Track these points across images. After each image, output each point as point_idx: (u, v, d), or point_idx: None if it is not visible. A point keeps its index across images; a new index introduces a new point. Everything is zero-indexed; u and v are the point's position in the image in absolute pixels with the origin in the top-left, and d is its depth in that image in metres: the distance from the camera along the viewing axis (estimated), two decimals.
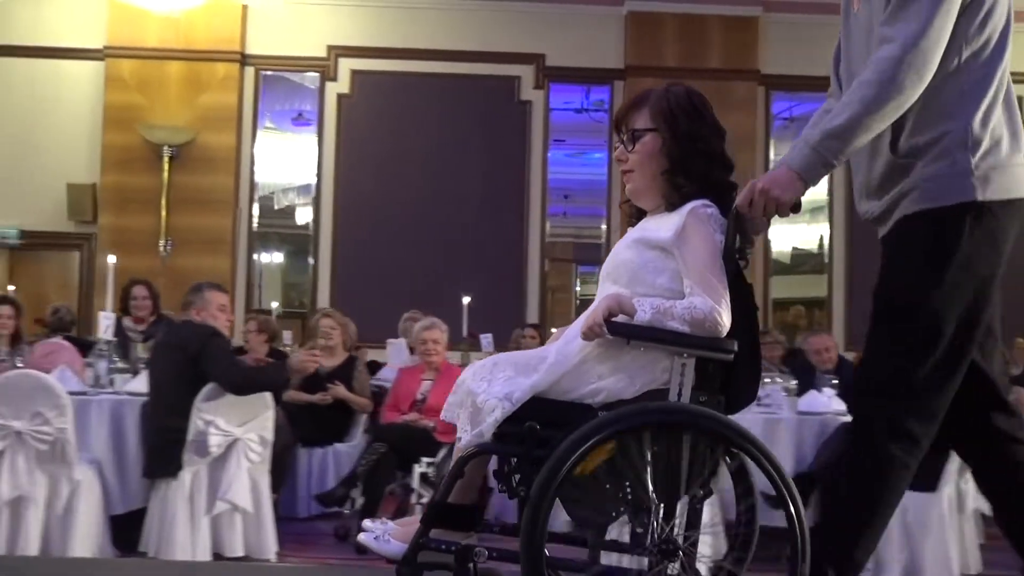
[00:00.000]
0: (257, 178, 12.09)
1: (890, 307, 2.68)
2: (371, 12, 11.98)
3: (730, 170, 2.77)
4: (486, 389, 2.55)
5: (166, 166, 11.62)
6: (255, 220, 12.08)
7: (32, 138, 11.82)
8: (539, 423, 2.49)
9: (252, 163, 12.03)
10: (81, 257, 12.03)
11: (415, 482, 5.58)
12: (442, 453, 5.58)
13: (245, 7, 11.69)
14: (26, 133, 11.81)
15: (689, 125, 2.68)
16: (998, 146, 2.61)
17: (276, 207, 12.29)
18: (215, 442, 4.88)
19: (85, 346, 6.78)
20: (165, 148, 11.58)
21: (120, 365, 5.76)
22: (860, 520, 2.67)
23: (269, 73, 12.09)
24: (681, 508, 2.52)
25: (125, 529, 5.12)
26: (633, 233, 2.75)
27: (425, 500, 5.53)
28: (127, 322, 7.38)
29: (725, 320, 2.50)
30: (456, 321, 8.74)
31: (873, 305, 2.74)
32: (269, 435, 5.09)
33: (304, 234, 12.14)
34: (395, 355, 8.44)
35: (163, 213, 11.59)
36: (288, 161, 12.19)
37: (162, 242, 11.59)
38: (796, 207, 2.64)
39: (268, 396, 5.07)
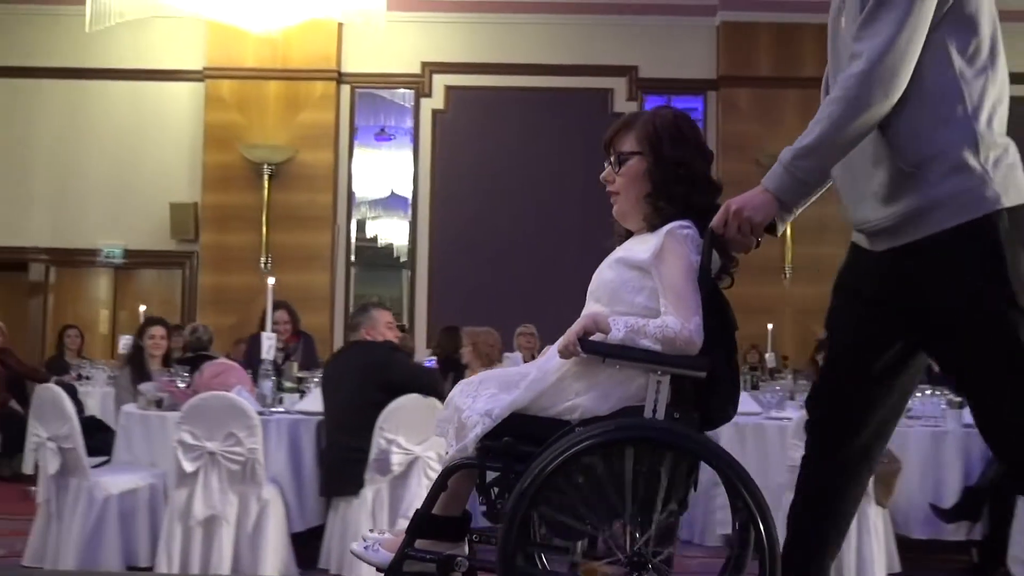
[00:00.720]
0: (354, 194, 12.16)
1: (980, 338, 2.52)
2: (464, 28, 11.93)
3: (716, 192, 2.76)
4: (470, 405, 2.63)
5: (266, 184, 11.73)
6: (353, 236, 12.15)
7: (135, 159, 11.89)
8: (520, 438, 2.55)
9: (349, 179, 12.05)
10: (183, 275, 12.16)
11: None
12: None
13: (341, 25, 11.77)
14: (129, 154, 11.88)
15: (673, 149, 2.70)
16: (1007, 148, 2.54)
17: (372, 222, 12.34)
18: (397, 460, 4.89)
19: None
20: (265, 166, 11.64)
21: (288, 385, 5.78)
22: None
23: (364, 90, 12.16)
24: (655, 522, 2.53)
25: (302, 547, 5.13)
26: (616, 253, 2.77)
27: None
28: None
29: (697, 338, 2.51)
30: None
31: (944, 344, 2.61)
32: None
33: (401, 248, 12.19)
34: None
35: (263, 230, 11.68)
36: (384, 177, 12.24)
37: (263, 259, 11.68)
38: (771, 228, 2.63)
39: None
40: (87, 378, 8.00)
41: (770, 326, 9.60)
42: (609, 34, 11.91)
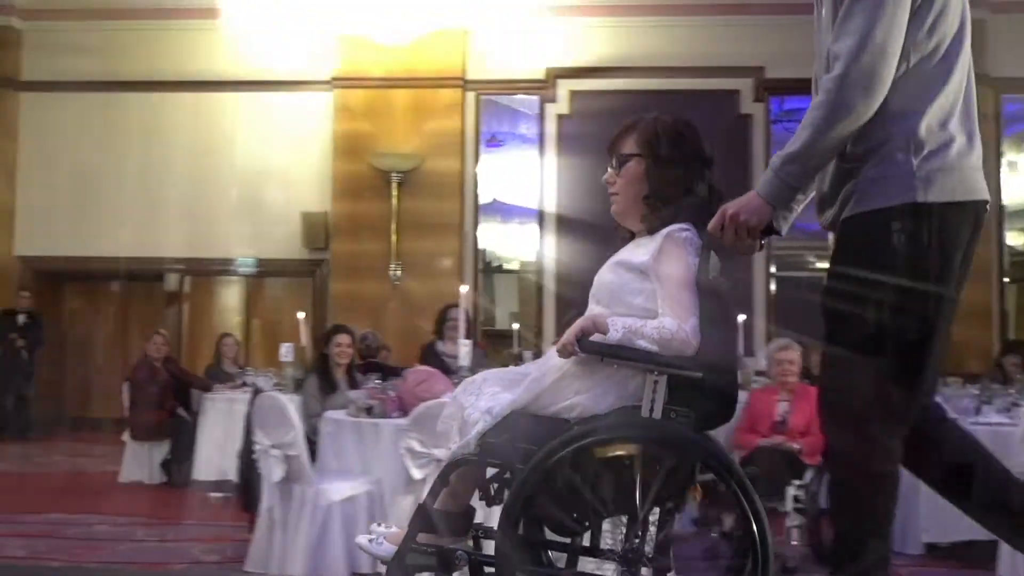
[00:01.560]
0: (481, 200, 12.02)
1: (840, 320, 2.61)
2: (586, 33, 11.76)
3: (714, 196, 2.76)
4: (473, 403, 2.69)
5: (394, 192, 11.72)
6: (480, 242, 12.09)
7: (266, 169, 11.82)
8: (521, 436, 2.58)
9: (476, 186, 11.91)
10: (313, 283, 12.14)
11: (787, 505, 5.42)
12: (809, 475, 5.40)
13: (467, 34, 11.76)
14: (260, 164, 11.79)
15: (671, 152, 2.74)
16: (947, 148, 2.52)
17: (500, 228, 12.32)
18: None
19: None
20: (393, 175, 11.57)
21: None
22: None
23: (490, 97, 12.08)
24: (650, 520, 2.57)
25: None
26: (616, 256, 2.78)
27: (796, 524, 5.40)
28: (440, 346, 7.39)
29: (692, 339, 2.52)
30: None
31: (824, 318, 2.67)
32: None
33: (529, 253, 12.16)
34: None
35: (393, 238, 11.64)
36: (511, 183, 12.22)
37: (392, 266, 11.70)
38: (768, 231, 2.67)
39: None
40: (249, 385, 8.03)
41: None
42: (733, 34, 11.61)
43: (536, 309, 11.84)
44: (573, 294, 11.73)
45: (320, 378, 6.31)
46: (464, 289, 6.06)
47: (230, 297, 12.44)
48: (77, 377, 12.45)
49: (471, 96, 11.92)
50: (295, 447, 4.79)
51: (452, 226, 11.75)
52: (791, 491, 5.53)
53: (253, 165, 11.99)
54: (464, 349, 5.72)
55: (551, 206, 11.85)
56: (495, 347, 11.76)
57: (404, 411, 5.11)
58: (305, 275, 12.02)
